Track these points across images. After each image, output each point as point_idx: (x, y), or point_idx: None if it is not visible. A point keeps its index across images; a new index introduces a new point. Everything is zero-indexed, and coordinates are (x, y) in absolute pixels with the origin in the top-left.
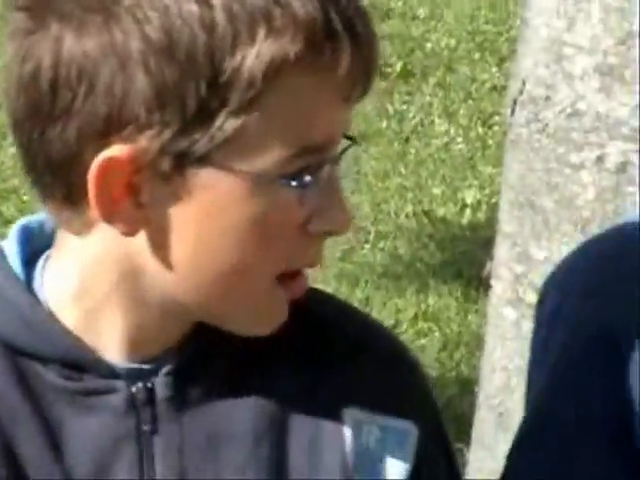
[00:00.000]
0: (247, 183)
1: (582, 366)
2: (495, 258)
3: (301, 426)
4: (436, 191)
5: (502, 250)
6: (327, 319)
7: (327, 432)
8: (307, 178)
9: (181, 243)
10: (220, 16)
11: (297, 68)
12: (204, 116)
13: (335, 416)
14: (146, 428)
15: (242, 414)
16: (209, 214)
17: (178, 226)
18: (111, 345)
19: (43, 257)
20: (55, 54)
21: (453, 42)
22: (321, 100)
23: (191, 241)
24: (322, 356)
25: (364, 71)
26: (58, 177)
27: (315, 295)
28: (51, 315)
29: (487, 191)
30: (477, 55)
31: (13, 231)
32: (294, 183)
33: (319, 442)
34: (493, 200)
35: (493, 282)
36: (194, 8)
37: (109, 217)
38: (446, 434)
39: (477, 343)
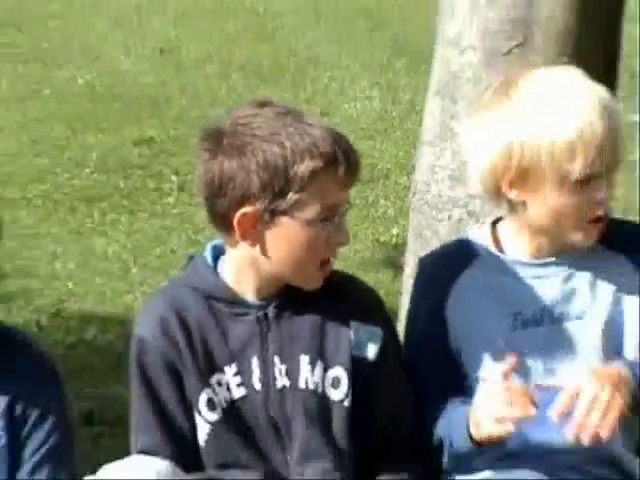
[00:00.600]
0: (302, 223)
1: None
2: None
3: (331, 328)
4: None
5: None
6: (342, 284)
7: (342, 330)
8: (327, 220)
9: (275, 249)
10: (289, 150)
11: (320, 174)
12: (283, 194)
13: (346, 324)
14: (265, 330)
15: (306, 323)
16: (288, 237)
17: (273, 242)
18: (248, 293)
19: (221, 258)
20: (220, 170)
21: None
22: (332, 188)
23: (279, 248)
24: (340, 299)
25: (352, 175)
26: (222, 223)
27: (335, 272)
28: (223, 282)
29: None
30: None
31: (208, 246)
32: (322, 223)
33: (338, 335)
34: None
35: None
36: (276, 149)
37: (244, 238)
38: (396, 331)
39: None
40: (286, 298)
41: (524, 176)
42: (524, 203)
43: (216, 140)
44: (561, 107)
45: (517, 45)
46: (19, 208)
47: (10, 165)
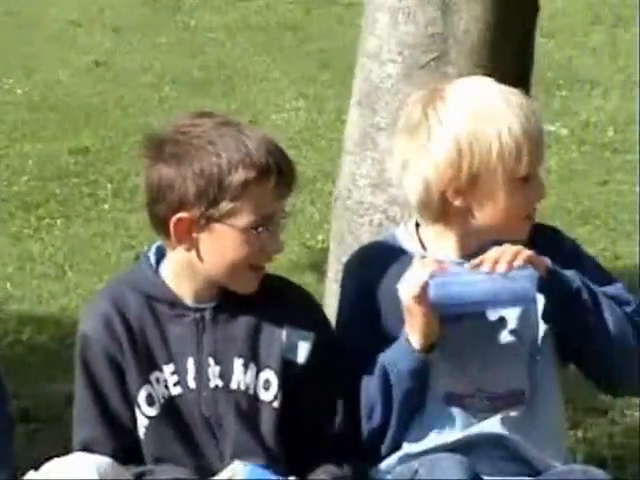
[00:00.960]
0: (236, 230)
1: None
2: None
3: (265, 331)
4: None
5: None
6: (278, 287)
7: (275, 334)
8: (261, 228)
9: (209, 254)
10: (224, 160)
11: (253, 184)
12: (217, 202)
13: (279, 327)
14: (201, 331)
15: (241, 326)
16: (221, 243)
17: (208, 247)
18: (186, 295)
19: (163, 260)
20: (159, 177)
21: None
22: (265, 197)
23: (213, 253)
24: (275, 302)
25: (286, 185)
26: (161, 227)
27: (271, 276)
28: (164, 283)
29: None
30: None
31: (153, 247)
32: (256, 231)
33: (271, 338)
34: None
35: None
36: (213, 159)
37: (180, 242)
38: (332, 334)
39: None
40: (223, 301)
41: (474, 182)
42: (468, 209)
43: (157, 148)
44: (501, 111)
45: (434, 58)
46: None
47: None
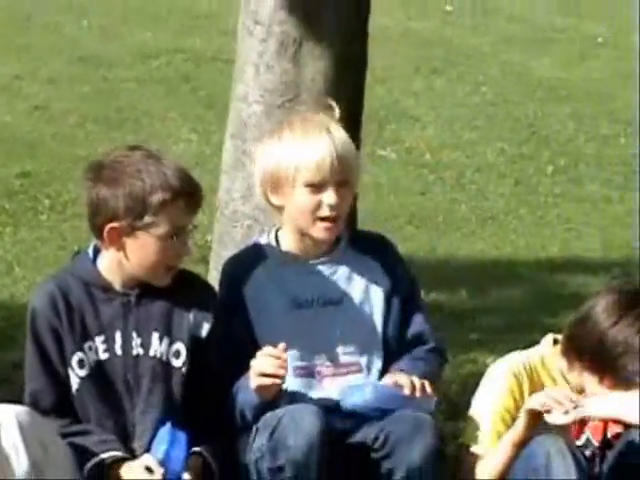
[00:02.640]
0: (154, 238)
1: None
2: None
3: (177, 312)
4: None
5: None
6: (187, 279)
7: (184, 314)
8: (175, 237)
9: (133, 255)
10: (147, 185)
11: (169, 203)
12: (141, 216)
13: (188, 309)
14: (127, 311)
15: (158, 308)
16: (143, 247)
17: (132, 250)
18: (116, 283)
19: (99, 255)
20: (97, 195)
21: None
22: (178, 213)
23: (137, 255)
24: (185, 290)
25: (194, 204)
26: (97, 233)
27: (183, 270)
28: (99, 272)
29: None
30: None
31: (91, 245)
32: (171, 239)
33: (182, 318)
34: None
35: None
36: (139, 183)
37: (111, 245)
38: None
39: None
40: (145, 289)
41: (277, 186)
42: (283, 207)
43: (97, 172)
44: (297, 138)
45: (288, 100)
46: None
47: None
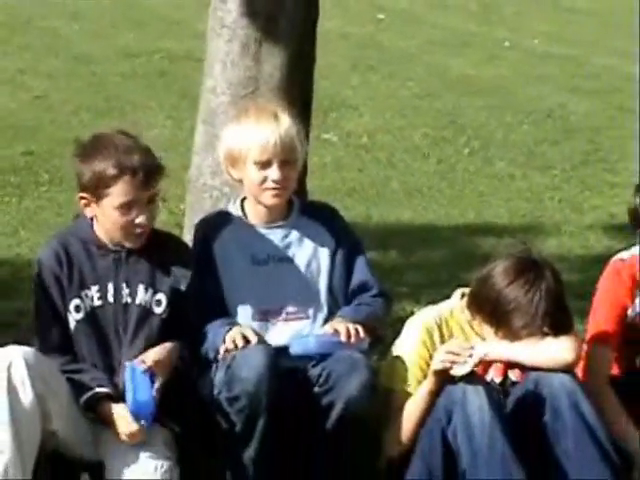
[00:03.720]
0: (111, 207)
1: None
2: None
3: (160, 267)
4: None
5: None
6: (167, 239)
7: (166, 269)
8: (131, 208)
9: (100, 219)
10: (105, 163)
11: (122, 179)
12: (99, 188)
13: (169, 264)
14: (118, 266)
15: (145, 263)
16: (105, 214)
17: (99, 215)
18: (108, 242)
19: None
20: (77, 170)
21: None
22: (130, 188)
23: (102, 219)
24: (166, 249)
25: (145, 180)
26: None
27: (163, 232)
28: (94, 232)
29: None
30: None
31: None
32: (127, 209)
33: (164, 272)
34: None
35: None
36: (102, 161)
37: (85, 211)
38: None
39: None
40: (129, 248)
41: (234, 162)
42: (241, 180)
43: (79, 151)
44: (250, 123)
45: (250, 92)
46: None
47: None
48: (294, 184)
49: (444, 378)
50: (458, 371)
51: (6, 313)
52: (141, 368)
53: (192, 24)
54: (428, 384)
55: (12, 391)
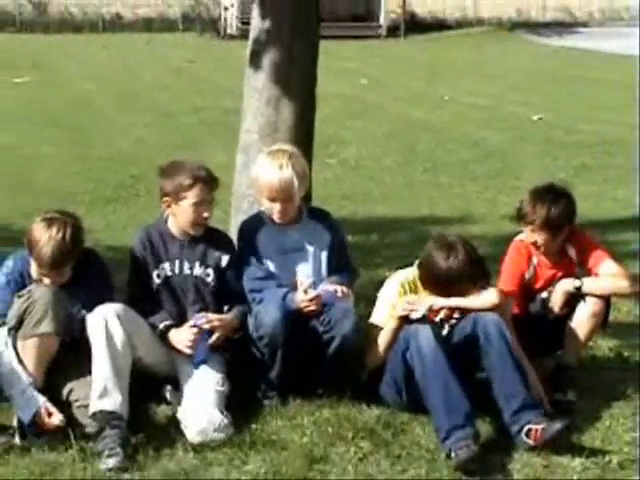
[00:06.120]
0: (187, 205)
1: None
2: None
3: (209, 250)
4: None
5: None
6: (213, 230)
7: (212, 251)
8: (200, 207)
9: (178, 215)
10: (183, 177)
11: (195, 186)
12: (178, 193)
13: (214, 248)
14: (183, 249)
15: (200, 247)
16: (182, 211)
17: (177, 212)
18: (177, 232)
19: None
20: (162, 183)
21: None
22: (200, 192)
23: (179, 215)
24: (212, 237)
25: (210, 188)
26: (161, 203)
27: (213, 228)
28: (167, 226)
29: None
30: None
31: (165, 213)
32: (196, 208)
33: (212, 253)
34: None
35: None
36: (179, 177)
37: (167, 210)
38: (235, 252)
39: None
40: (192, 236)
41: (256, 192)
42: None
43: (161, 172)
44: (266, 167)
45: (272, 132)
46: None
47: None
48: (293, 208)
49: (404, 321)
50: (414, 315)
51: (118, 281)
52: (203, 324)
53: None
54: (393, 324)
55: (108, 334)
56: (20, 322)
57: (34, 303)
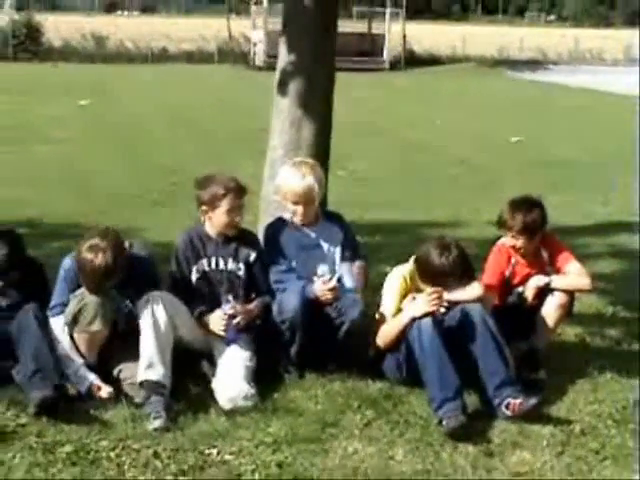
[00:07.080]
0: (222, 211)
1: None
2: None
3: (241, 248)
4: None
5: None
6: (244, 230)
7: (243, 249)
8: (232, 213)
9: (214, 220)
10: (216, 188)
11: (228, 195)
12: (214, 202)
13: (245, 246)
14: (218, 247)
15: (232, 245)
16: (217, 216)
17: (213, 217)
18: (213, 233)
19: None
20: (200, 194)
21: None
22: (232, 200)
23: (215, 220)
24: (244, 236)
25: (240, 196)
26: (198, 210)
27: (244, 229)
28: (204, 228)
29: None
30: None
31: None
32: (229, 213)
33: (242, 251)
34: None
35: None
36: (214, 187)
37: (204, 217)
38: (264, 251)
39: None
40: (225, 236)
41: (281, 197)
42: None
43: (197, 184)
44: (290, 176)
45: (295, 148)
46: None
47: None
48: (313, 211)
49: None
50: (442, 310)
51: (162, 271)
52: (229, 309)
53: (263, 111)
54: (403, 321)
55: (154, 316)
56: (74, 320)
57: (86, 306)
